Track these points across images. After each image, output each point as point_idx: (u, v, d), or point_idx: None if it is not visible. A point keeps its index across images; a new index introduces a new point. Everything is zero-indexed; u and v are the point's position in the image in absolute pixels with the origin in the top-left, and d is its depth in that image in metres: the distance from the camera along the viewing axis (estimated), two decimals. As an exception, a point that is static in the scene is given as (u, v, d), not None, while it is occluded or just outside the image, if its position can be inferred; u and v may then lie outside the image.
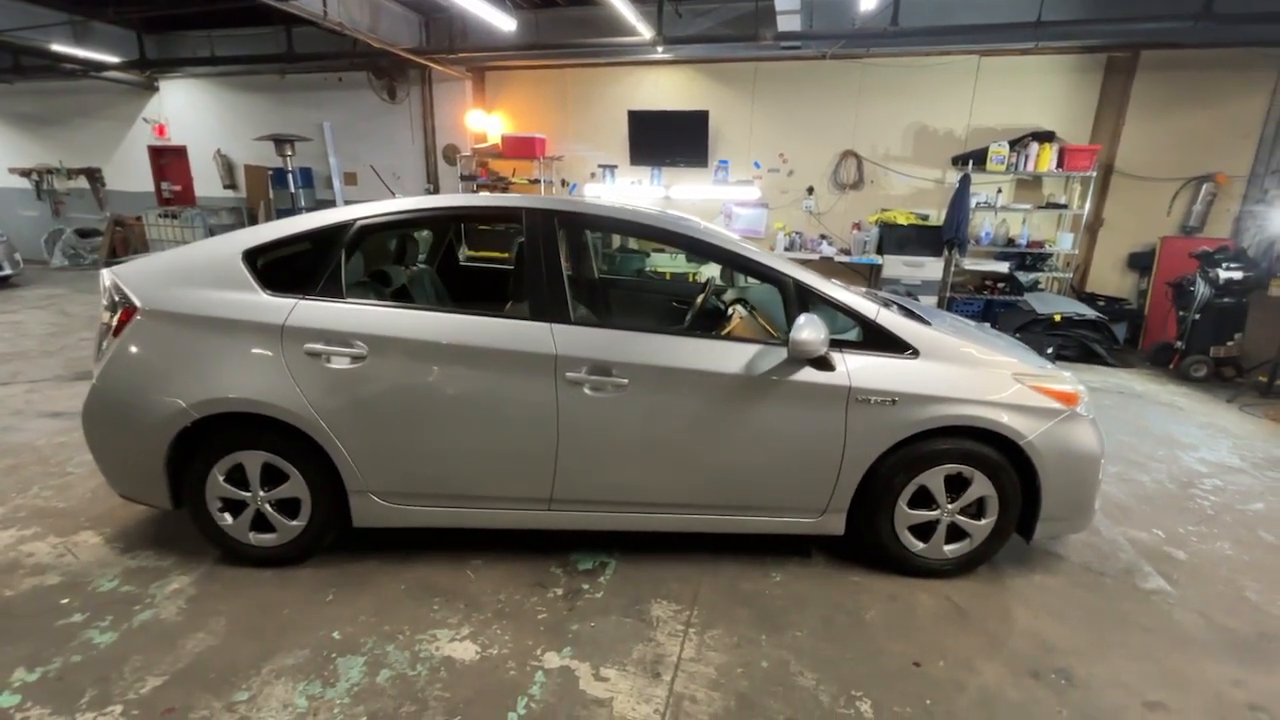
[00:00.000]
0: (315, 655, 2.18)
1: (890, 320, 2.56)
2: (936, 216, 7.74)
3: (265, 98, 10.22)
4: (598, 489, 2.61)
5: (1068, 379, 2.68)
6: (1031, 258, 7.50)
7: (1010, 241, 7.55)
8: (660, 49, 7.61)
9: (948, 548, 2.69)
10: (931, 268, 7.49)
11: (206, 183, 10.99)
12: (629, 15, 6.68)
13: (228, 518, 2.62)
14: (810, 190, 8.31)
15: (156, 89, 10.81)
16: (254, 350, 2.45)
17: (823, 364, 2.45)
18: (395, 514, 2.62)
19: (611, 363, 2.45)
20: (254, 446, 2.53)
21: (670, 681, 2.09)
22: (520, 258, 2.83)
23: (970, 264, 7.49)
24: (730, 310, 3.46)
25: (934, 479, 2.58)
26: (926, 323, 2.69)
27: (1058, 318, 6.54)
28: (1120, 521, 3.28)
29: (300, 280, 2.54)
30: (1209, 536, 3.20)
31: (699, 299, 3.84)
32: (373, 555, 2.77)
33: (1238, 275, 5.90)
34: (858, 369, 2.48)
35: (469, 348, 2.45)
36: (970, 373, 2.55)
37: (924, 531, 2.68)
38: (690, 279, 7.76)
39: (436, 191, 9.71)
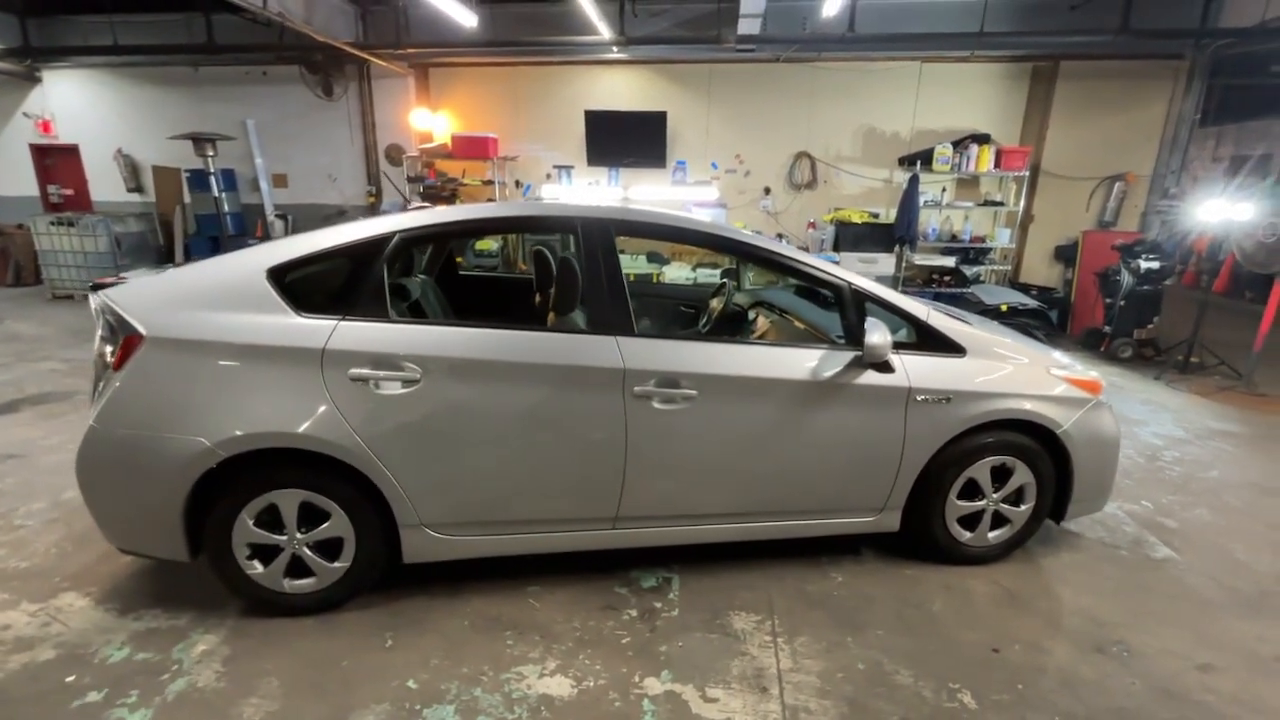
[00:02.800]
0: (396, 709, 2.00)
1: (940, 321, 2.66)
2: (886, 214, 8.13)
3: (175, 92, 9.30)
4: (665, 504, 2.55)
5: (1085, 370, 2.87)
6: (974, 252, 8.03)
7: (954, 237, 8.05)
8: (616, 49, 7.56)
9: (991, 535, 2.82)
10: (884, 263, 7.84)
11: (106, 185, 9.87)
12: (592, 14, 6.57)
13: (257, 565, 2.36)
14: (767, 190, 8.51)
15: (39, 80, 9.60)
16: (289, 378, 2.21)
17: (884, 366, 2.50)
18: (451, 546, 2.45)
19: (680, 374, 2.39)
20: (289, 484, 2.29)
21: (780, 695, 2.08)
22: (564, 267, 2.72)
23: (920, 259, 7.92)
24: (754, 315, 3.48)
25: (981, 471, 2.71)
26: (966, 322, 2.81)
27: (1004, 308, 7.01)
28: (1113, 497, 3.56)
29: (336, 299, 2.32)
30: (1188, 505, 3.54)
31: (715, 302, 3.84)
32: (419, 591, 2.58)
33: (1156, 265, 6.57)
34: (914, 369, 2.56)
35: (532, 365, 2.32)
36: (1013, 368, 2.69)
37: (968, 521, 2.81)
38: (654, 279, 7.75)
39: (379, 194, 9.19)
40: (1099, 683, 2.18)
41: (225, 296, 2.27)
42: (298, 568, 2.39)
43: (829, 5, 5.94)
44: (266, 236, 9.37)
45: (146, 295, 2.27)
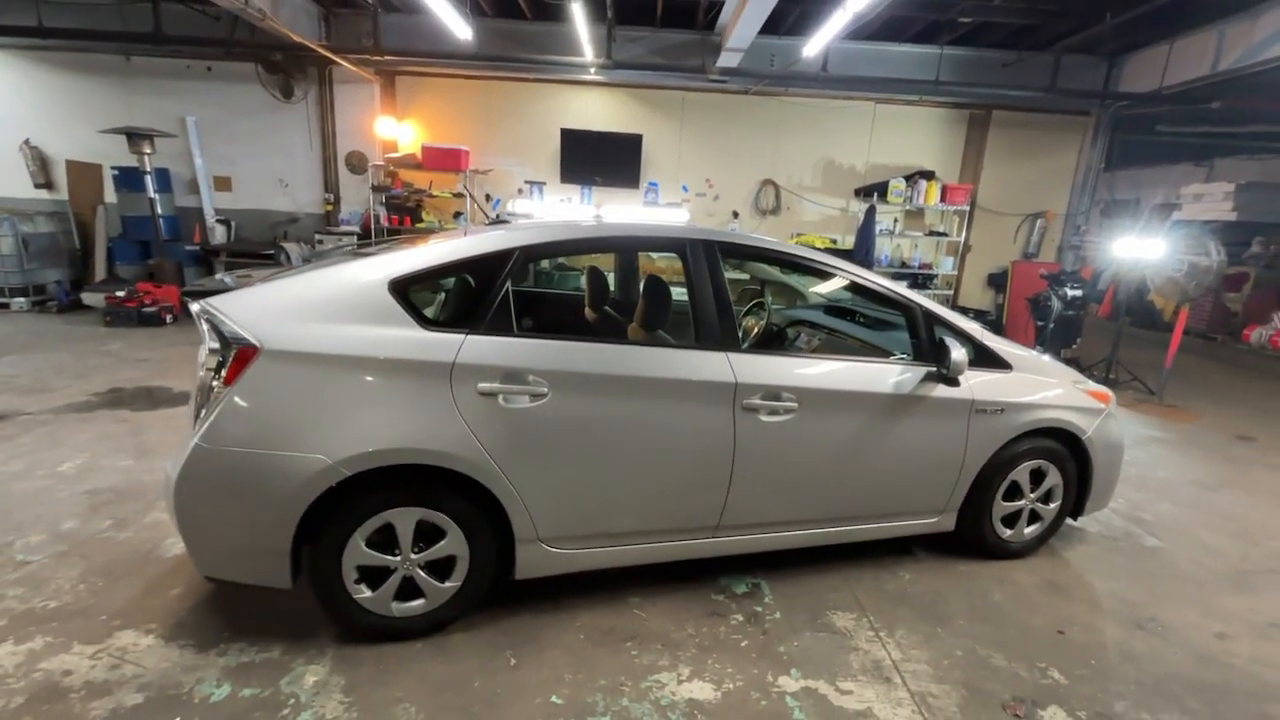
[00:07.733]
0: (553, 725, 1.99)
1: (992, 341, 2.98)
2: (844, 240, 8.74)
3: (99, 81, 8.48)
4: (762, 511, 2.67)
5: (1096, 384, 3.30)
6: (922, 278, 8.78)
7: (904, 264, 8.77)
8: (595, 71, 7.71)
9: (1027, 530, 3.16)
10: (844, 286, 8.42)
11: (6, 180, 8.77)
12: (584, 37, 6.70)
13: (364, 589, 2.26)
14: (735, 214, 8.90)
15: (-75, 58, 8.44)
16: (418, 393, 2.17)
17: (953, 381, 2.77)
18: (566, 560, 2.45)
19: (782, 387, 2.55)
20: (406, 502, 2.22)
21: (904, 683, 2.25)
22: (653, 285, 2.81)
23: (875, 283, 8.55)
24: (795, 333, 3.71)
25: (1022, 474, 3.04)
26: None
27: (954, 329, 7.73)
28: (1095, 495, 4.05)
29: (461, 313, 2.30)
30: (1153, 500, 4.08)
31: (749, 321, 4.04)
32: (520, 609, 2.55)
33: (1079, 293, 7.49)
34: (975, 383, 2.85)
35: (652, 380, 2.40)
36: (1049, 382, 3.05)
37: (1008, 520, 3.12)
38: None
39: (337, 202, 8.77)
40: (1151, 654, 2.52)
41: (345, 309, 2.19)
42: (407, 590, 2.31)
43: (810, 46, 6.41)
44: (205, 242, 8.69)
45: (257, 306, 2.15)
